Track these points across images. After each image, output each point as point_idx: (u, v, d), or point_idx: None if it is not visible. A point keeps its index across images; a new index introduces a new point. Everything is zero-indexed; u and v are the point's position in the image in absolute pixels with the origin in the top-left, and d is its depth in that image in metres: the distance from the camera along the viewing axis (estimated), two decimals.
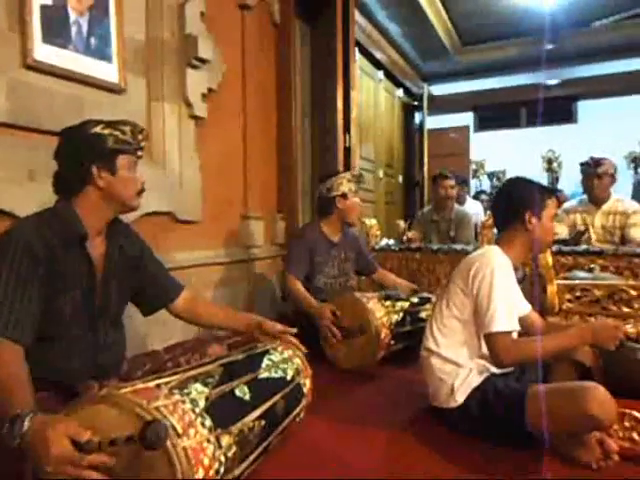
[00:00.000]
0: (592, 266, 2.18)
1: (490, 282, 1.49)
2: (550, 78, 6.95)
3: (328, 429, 1.63)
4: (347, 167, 3.50)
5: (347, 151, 3.56)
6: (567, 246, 2.97)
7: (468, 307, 1.55)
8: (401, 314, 2.31)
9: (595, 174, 3.20)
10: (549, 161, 6.00)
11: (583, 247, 2.88)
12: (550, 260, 1.95)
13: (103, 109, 2.16)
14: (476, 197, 5.16)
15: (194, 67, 2.57)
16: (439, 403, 1.56)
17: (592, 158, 3.30)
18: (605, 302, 1.86)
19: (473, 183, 6.57)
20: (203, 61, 2.59)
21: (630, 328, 1.45)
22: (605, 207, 3.23)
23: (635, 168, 5.79)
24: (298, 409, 1.45)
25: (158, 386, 1.02)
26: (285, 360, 1.47)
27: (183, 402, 0.99)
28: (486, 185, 6.41)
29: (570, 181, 5.99)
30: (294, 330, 1.55)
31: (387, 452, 1.49)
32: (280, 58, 3.42)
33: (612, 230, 3.21)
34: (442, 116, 7.50)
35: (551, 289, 1.90)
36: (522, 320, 1.74)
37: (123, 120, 1.40)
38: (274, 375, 1.36)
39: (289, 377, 1.42)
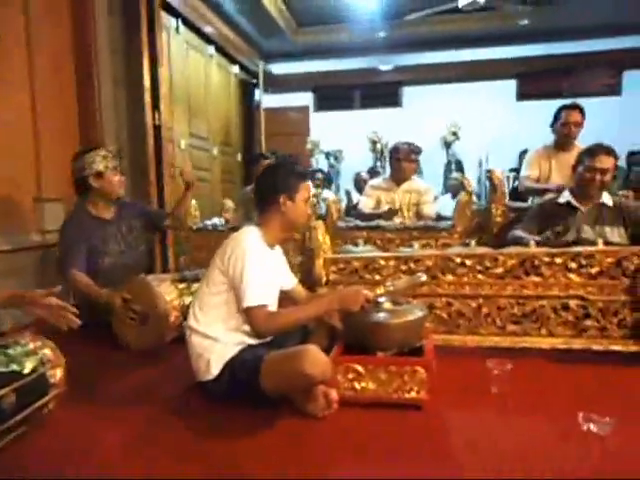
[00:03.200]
0: (358, 241, 2.46)
1: (242, 261, 1.60)
2: (381, 64, 7.50)
3: (89, 412, 1.63)
4: (158, 146, 3.41)
5: (157, 129, 3.45)
6: (371, 221, 3.31)
7: (226, 285, 1.64)
8: None
9: (412, 159, 3.57)
10: (373, 142, 6.53)
11: (375, 222, 3.24)
12: (320, 236, 2.16)
13: None
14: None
15: None
16: (199, 377, 1.65)
17: (412, 144, 3.64)
18: (362, 272, 2.13)
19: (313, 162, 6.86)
20: None
21: (370, 292, 1.67)
22: (405, 185, 3.63)
23: (447, 150, 6.58)
24: (43, 401, 1.42)
25: None
26: (27, 353, 1.43)
27: None
28: (324, 164, 6.75)
29: None
30: (57, 289, 1.50)
31: (142, 429, 1.54)
32: (78, 25, 3.15)
33: (409, 207, 3.65)
34: (284, 95, 7.65)
35: (318, 263, 2.11)
36: (289, 293, 1.92)
37: None
38: (2, 370, 1.31)
39: (27, 370, 1.38)
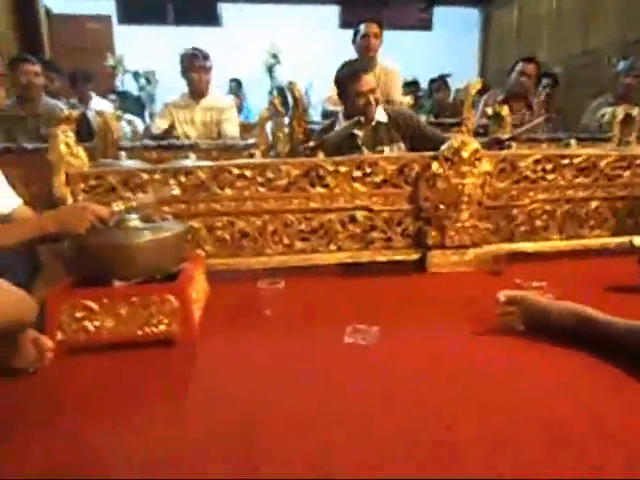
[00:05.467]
0: (121, 153, 2.04)
1: None
2: None
3: None
4: None
5: None
6: (155, 141, 2.86)
7: None
8: None
9: (201, 67, 3.13)
10: None
11: (166, 142, 2.80)
12: (63, 146, 1.67)
13: None
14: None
15: None
16: None
17: (198, 49, 3.24)
18: (121, 190, 1.73)
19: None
20: None
21: (104, 209, 1.30)
22: (203, 103, 3.23)
23: (270, 75, 6.22)
24: None
25: None
26: None
27: None
28: (133, 86, 5.86)
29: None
30: None
31: None
32: None
33: (210, 126, 3.26)
34: (82, 1, 6.37)
35: (58, 179, 1.64)
36: (10, 218, 1.45)
37: None
38: None
39: None
